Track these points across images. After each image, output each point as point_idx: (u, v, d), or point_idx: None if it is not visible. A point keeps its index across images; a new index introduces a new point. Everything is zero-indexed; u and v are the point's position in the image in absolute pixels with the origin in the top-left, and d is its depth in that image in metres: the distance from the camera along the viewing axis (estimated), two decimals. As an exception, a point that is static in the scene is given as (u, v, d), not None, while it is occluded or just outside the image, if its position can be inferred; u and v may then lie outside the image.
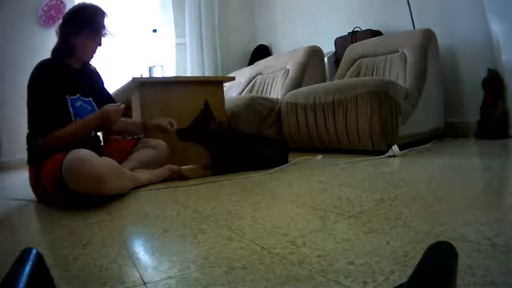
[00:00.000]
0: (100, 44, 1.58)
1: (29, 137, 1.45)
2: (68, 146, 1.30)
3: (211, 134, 1.74)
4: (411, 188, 1.14)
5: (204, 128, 1.73)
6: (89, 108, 1.56)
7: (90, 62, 1.63)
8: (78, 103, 1.51)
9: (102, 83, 1.74)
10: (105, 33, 1.57)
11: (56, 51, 1.52)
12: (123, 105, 1.55)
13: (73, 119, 1.47)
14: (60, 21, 1.54)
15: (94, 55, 1.59)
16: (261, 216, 0.96)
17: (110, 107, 1.49)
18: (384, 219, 0.83)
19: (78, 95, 1.52)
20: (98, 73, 1.72)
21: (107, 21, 1.56)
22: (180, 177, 1.65)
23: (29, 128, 1.45)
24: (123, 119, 1.70)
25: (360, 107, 2.04)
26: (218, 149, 1.76)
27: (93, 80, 1.66)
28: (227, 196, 1.27)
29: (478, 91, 2.28)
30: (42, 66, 1.45)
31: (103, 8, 1.56)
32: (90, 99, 1.58)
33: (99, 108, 1.57)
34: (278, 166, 1.78)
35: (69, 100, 1.47)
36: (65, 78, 1.47)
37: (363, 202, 1.01)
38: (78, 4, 1.57)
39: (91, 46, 1.55)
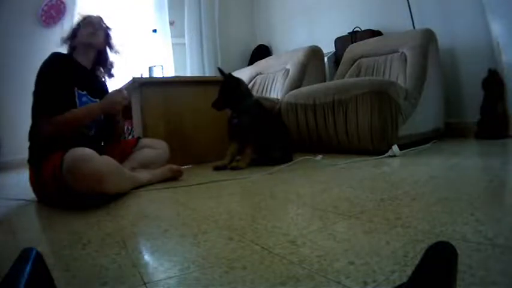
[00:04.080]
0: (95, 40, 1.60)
1: (31, 133, 1.45)
2: (68, 145, 1.30)
3: (241, 97, 1.94)
4: (411, 188, 1.14)
5: (232, 93, 1.92)
6: None
7: (100, 70, 1.67)
8: (84, 99, 1.53)
9: (107, 91, 1.74)
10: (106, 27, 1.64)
11: (68, 49, 1.58)
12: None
13: None
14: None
15: (101, 40, 1.61)
16: (261, 216, 0.96)
17: (114, 92, 1.51)
18: (384, 219, 0.83)
19: (85, 92, 1.54)
20: (106, 85, 1.74)
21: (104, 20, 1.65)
22: (234, 168, 1.83)
23: (33, 117, 1.44)
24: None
25: (360, 107, 2.04)
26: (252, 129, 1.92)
27: (100, 84, 1.69)
28: (227, 196, 1.27)
29: (478, 91, 2.27)
30: (56, 56, 1.48)
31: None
32: (97, 100, 1.59)
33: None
34: (283, 163, 1.83)
35: (76, 93, 1.49)
36: (76, 72, 1.51)
37: (363, 202, 1.01)
38: None
39: (87, 31, 1.58)
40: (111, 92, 1.55)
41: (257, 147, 1.93)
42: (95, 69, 1.65)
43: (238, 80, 1.99)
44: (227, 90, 1.92)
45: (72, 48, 1.59)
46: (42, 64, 1.45)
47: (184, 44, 4.11)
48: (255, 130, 1.91)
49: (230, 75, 1.99)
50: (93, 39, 1.58)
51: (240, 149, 1.94)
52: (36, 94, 1.43)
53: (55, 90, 1.41)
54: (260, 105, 2.05)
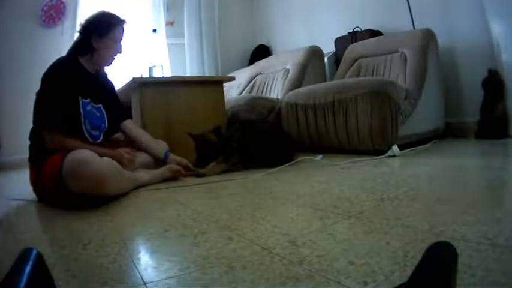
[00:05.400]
0: (120, 51, 1.60)
1: (33, 134, 1.45)
2: None
3: (221, 143, 1.86)
4: (411, 188, 1.14)
5: (212, 146, 1.84)
6: (98, 114, 1.56)
7: (103, 69, 1.65)
8: (88, 107, 1.52)
9: (114, 92, 1.75)
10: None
11: (75, 50, 1.53)
12: (136, 153, 1.62)
13: (82, 120, 1.46)
14: (82, 23, 1.54)
15: (113, 61, 1.61)
16: (261, 216, 0.96)
17: (124, 153, 1.52)
18: (384, 219, 0.83)
19: (89, 99, 1.52)
20: (110, 81, 1.73)
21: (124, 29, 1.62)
22: (198, 175, 1.73)
23: (34, 122, 1.44)
24: (147, 138, 1.75)
25: (360, 107, 2.04)
26: (231, 148, 1.86)
27: (105, 87, 1.67)
28: (227, 196, 1.27)
29: (478, 91, 2.27)
30: (62, 63, 1.46)
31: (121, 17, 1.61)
32: (100, 105, 1.59)
33: (107, 114, 1.59)
34: (283, 163, 1.82)
35: (80, 102, 1.47)
36: (80, 80, 1.48)
37: (363, 202, 1.01)
38: (101, 11, 1.59)
39: (113, 50, 1.57)
40: (121, 152, 1.52)
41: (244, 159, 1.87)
42: (98, 72, 1.62)
43: (208, 138, 1.87)
44: (208, 148, 1.84)
45: (82, 49, 1.52)
46: (48, 70, 1.42)
47: (184, 44, 4.11)
48: (244, 146, 1.86)
49: (202, 135, 1.87)
50: (112, 62, 1.60)
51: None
52: (41, 102, 1.41)
53: (60, 103, 1.38)
54: (244, 123, 2.00)
